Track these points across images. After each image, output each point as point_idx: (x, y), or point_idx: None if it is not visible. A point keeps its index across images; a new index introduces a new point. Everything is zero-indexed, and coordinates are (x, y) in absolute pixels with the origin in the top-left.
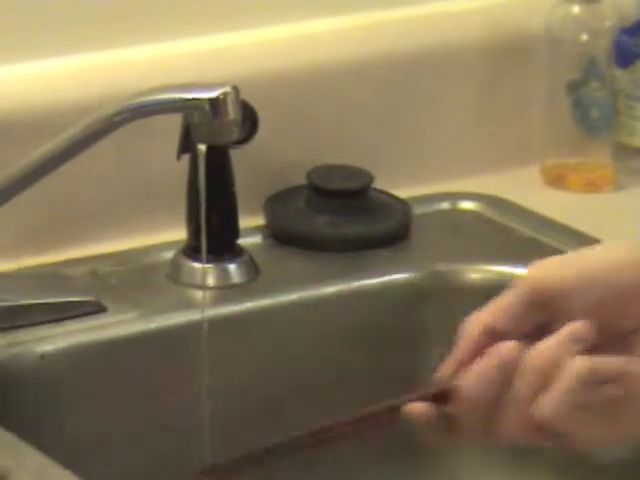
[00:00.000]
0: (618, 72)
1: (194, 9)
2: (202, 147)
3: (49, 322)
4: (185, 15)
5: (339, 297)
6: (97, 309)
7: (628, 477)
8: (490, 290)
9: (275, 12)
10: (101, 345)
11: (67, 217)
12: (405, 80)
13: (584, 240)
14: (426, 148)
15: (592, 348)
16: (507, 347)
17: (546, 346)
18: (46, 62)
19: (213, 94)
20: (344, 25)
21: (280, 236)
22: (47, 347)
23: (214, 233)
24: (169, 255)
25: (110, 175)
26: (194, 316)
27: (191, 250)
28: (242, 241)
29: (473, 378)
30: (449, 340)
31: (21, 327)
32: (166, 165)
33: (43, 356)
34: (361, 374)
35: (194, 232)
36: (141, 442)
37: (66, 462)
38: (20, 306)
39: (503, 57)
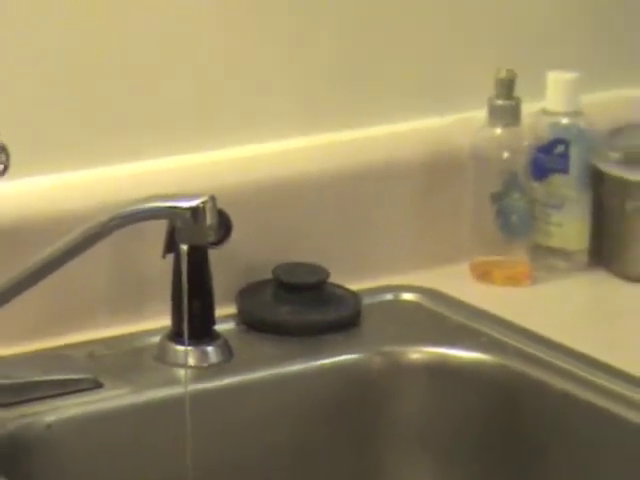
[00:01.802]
0: (535, 184)
1: (177, 133)
2: (184, 247)
3: (54, 396)
4: (169, 137)
5: (301, 375)
6: (94, 385)
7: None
8: (428, 368)
9: (245, 134)
10: (98, 416)
11: (68, 308)
12: (356, 191)
13: (507, 325)
14: (373, 248)
15: None
16: None
17: None
18: (48, 178)
19: (194, 203)
20: (305, 145)
21: (250, 323)
22: (52, 418)
23: (194, 320)
24: (156, 339)
25: (106, 272)
26: (177, 391)
27: (175, 335)
28: (218, 327)
29: None
30: (394, 412)
31: (30, 401)
32: (153, 263)
33: (49, 425)
34: (319, 441)
35: (177, 320)
36: None
37: None
38: (29, 383)
39: (438, 171)
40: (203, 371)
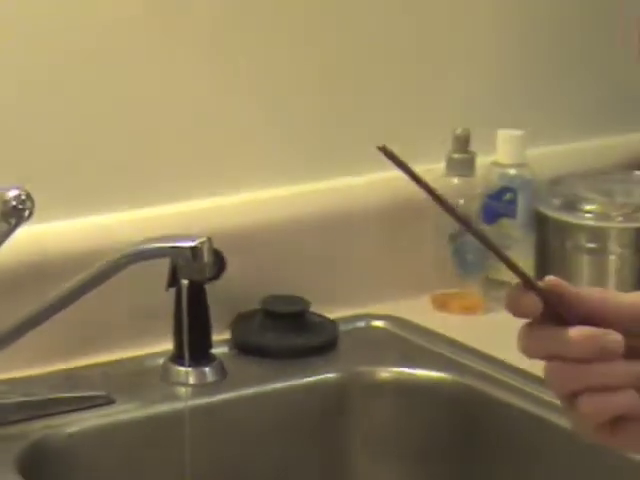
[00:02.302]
0: (486, 227)
1: (177, 183)
2: (185, 282)
3: (73, 411)
4: (170, 188)
5: (285, 392)
6: (108, 401)
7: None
8: (396, 386)
9: (236, 185)
10: (112, 427)
11: (85, 334)
12: (332, 233)
13: (464, 348)
14: (347, 282)
15: None
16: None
17: None
18: (66, 222)
19: (193, 244)
20: (287, 193)
21: (242, 347)
22: (73, 429)
23: (193, 345)
24: (160, 361)
25: (117, 303)
26: (179, 406)
27: (176, 357)
28: (214, 351)
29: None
30: (367, 424)
31: (53, 415)
32: (158, 295)
33: (70, 435)
34: (301, 449)
35: (179, 344)
36: None
37: None
38: (52, 399)
39: (403, 215)
40: (201, 389)
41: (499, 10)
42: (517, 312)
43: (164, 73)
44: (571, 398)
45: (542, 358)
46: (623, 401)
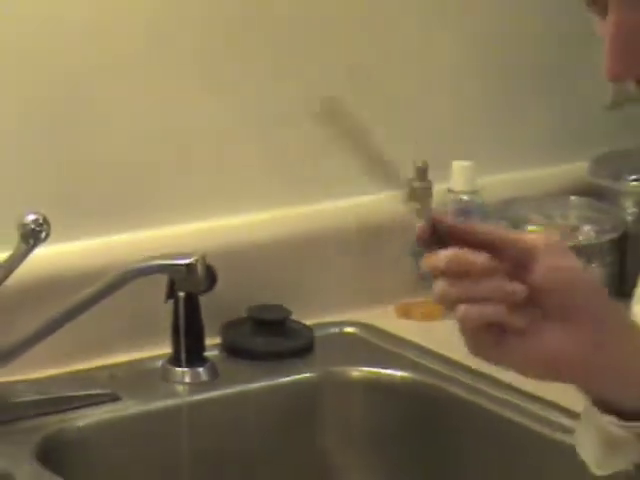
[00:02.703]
0: None
1: (173, 209)
2: (181, 294)
3: (83, 407)
4: (167, 212)
5: (269, 389)
6: (114, 398)
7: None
8: (365, 383)
9: (223, 210)
10: (117, 421)
11: (94, 339)
12: (310, 251)
13: (425, 351)
14: (323, 294)
15: None
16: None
17: None
18: (77, 243)
19: (188, 261)
20: (270, 216)
21: (231, 350)
22: (83, 423)
23: (189, 349)
24: (160, 363)
25: (122, 313)
26: (177, 402)
27: (174, 360)
28: (207, 354)
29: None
30: (339, 415)
31: (65, 410)
32: (158, 306)
33: (81, 428)
34: (283, 436)
35: (176, 348)
36: None
37: None
38: (64, 397)
39: (371, 236)
40: (196, 387)
41: (457, 53)
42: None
43: (162, 108)
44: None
45: (435, 278)
46: (488, 310)
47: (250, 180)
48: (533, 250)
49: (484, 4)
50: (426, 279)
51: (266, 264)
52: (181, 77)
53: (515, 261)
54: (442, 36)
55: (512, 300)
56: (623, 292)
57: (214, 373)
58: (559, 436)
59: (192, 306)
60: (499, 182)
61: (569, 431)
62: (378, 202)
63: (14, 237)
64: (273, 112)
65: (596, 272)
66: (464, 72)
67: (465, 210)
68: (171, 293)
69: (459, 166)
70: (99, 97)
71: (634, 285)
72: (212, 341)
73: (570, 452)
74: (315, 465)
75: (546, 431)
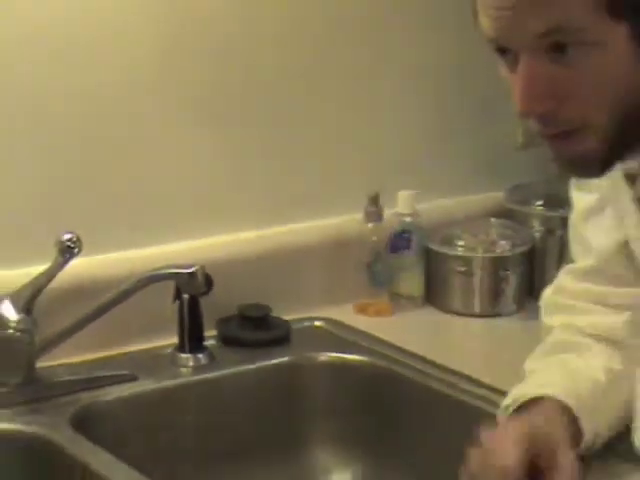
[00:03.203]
0: (391, 256)
1: (178, 229)
2: (185, 296)
3: (109, 385)
4: (173, 232)
5: (255, 370)
6: (133, 378)
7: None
8: (331, 365)
9: (218, 230)
10: (136, 396)
11: (115, 332)
12: (287, 262)
13: (378, 340)
14: (296, 295)
15: None
16: None
17: None
18: (101, 256)
19: (190, 270)
20: (251, 236)
21: (225, 340)
22: (108, 397)
23: (191, 339)
24: (169, 350)
25: (139, 311)
26: (183, 380)
27: (180, 348)
28: (206, 343)
29: None
30: (311, 391)
31: (94, 388)
32: (167, 306)
33: (107, 402)
34: (267, 408)
35: (181, 339)
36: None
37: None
38: (93, 377)
39: (336, 249)
40: (197, 369)
41: (402, 95)
42: None
43: (176, 150)
44: None
45: None
46: None
47: (238, 207)
48: None
49: (427, 40)
50: (377, 285)
51: (252, 272)
52: (188, 120)
53: None
54: (388, 80)
55: None
56: (531, 293)
57: (212, 358)
58: (484, 407)
59: (194, 305)
60: (435, 207)
61: (493, 404)
62: (341, 223)
63: (53, 252)
64: (259, 157)
65: (513, 279)
66: (407, 111)
67: (408, 230)
68: (177, 295)
69: (403, 195)
70: (122, 135)
71: (540, 287)
72: (210, 333)
73: (488, 419)
74: (291, 428)
75: (477, 404)
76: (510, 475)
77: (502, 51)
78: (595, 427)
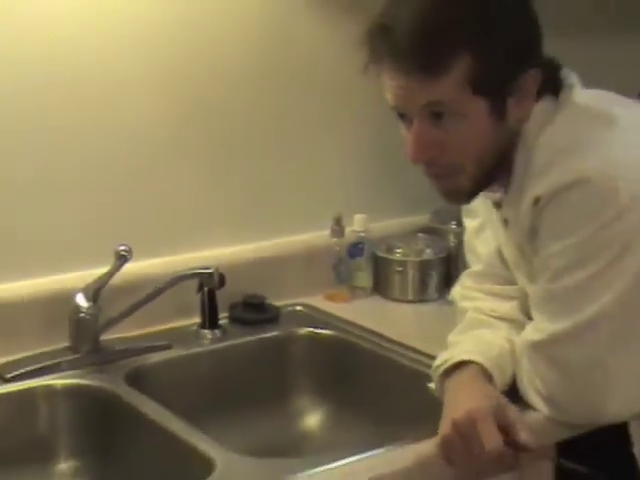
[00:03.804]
0: (350, 261)
1: (201, 244)
2: (205, 289)
3: (152, 352)
4: (194, 244)
5: (256, 341)
6: (169, 347)
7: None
8: (310, 338)
9: (225, 243)
10: (172, 360)
11: (155, 316)
12: (275, 265)
13: (341, 319)
14: (283, 288)
15: None
16: None
17: None
18: (141, 262)
19: (209, 271)
20: (249, 247)
21: (233, 320)
22: (152, 361)
23: (210, 319)
24: (194, 327)
25: (173, 301)
26: (204, 348)
27: (201, 325)
28: (220, 322)
29: None
30: (295, 358)
31: (142, 354)
32: (192, 296)
33: (152, 364)
34: (262, 374)
35: (203, 319)
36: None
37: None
38: (142, 347)
39: (309, 258)
40: (214, 340)
41: (355, 146)
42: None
43: (192, 182)
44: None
45: None
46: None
47: (243, 226)
48: None
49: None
50: (340, 281)
51: (252, 272)
52: (192, 158)
53: None
54: (349, 132)
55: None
56: (448, 285)
57: (224, 332)
58: (418, 367)
59: (211, 296)
60: (380, 226)
61: (425, 365)
62: (314, 238)
63: (111, 258)
64: (258, 191)
65: (435, 276)
66: (360, 156)
67: (361, 242)
68: (199, 289)
69: (358, 217)
70: (162, 163)
71: (454, 281)
72: (223, 315)
73: (423, 379)
74: (279, 382)
75: (412, 365)
76: (503, 454)
77: (401, 115)
78: (503, 380)
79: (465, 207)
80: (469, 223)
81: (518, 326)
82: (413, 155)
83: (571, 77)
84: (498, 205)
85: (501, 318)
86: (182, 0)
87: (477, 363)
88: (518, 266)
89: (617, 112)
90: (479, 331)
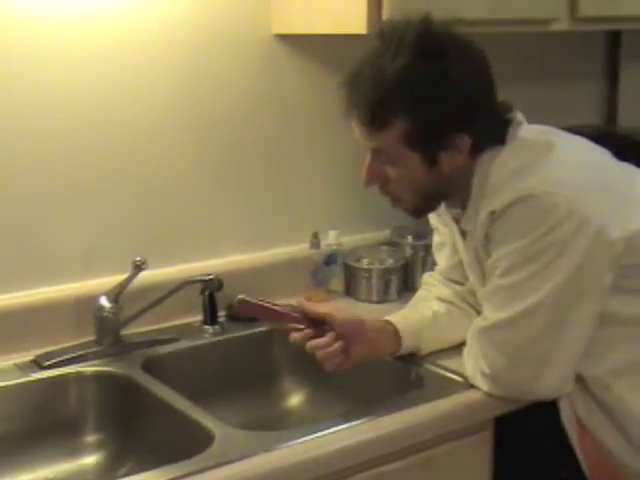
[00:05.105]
0: (326, 268)
1: (205, 254)
2: (207, 292)
3: (163, 344)
4: (201, 255)
5: (248, 335)
6: (177, 339)
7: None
8: (287, 332)
9: (225, 253)
10: (180, 351)
11: (166, 313)
12: (266, 274)
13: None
14: (272, 292)
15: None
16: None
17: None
18: (156, 271)
19: (210, 277)
20: (243, 258)
21: (230, 318)
22: (163, 351)
23: (211, 316)
24: (198, 323)
25: (180, 303)
26: (206, 341)
27: (203, 322)
28: (220, 319)
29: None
30: (282, 346)
31: (155, 345)
32: (196, 298)
33: (164, 354)
34: (252, 355)
35: (204, 317)
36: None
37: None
38: (154, 340)
39: (293, 266)
40: (214, 334)
41: (331, 173)
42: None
43: (195, 201)
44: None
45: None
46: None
47: (239, 240)
48: (330, 315)
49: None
50: (317, 285)
51: (246, 278)
52: (199, 175)
53: (318, 322)
54: (327, 164)
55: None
56: (406, 288)
57: (223, 328)
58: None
59: (212, 298)
60: (350, 239)
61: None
62: (296, 250)
63: (130, 267)
64: (250, 206)
65: (395, 280)
66: (336, 182)
67: (335, 253)
68: (202, 292)
69: (332, 232)
70: (174, 184)
71: (411, 286)
72: (221, 313)
73: (389, 363)
74: (268, 370)
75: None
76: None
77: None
78: (416, 342)
79: (431, 224)
80: (435, 237)
81: (452, 307)
82: (364, 180)
83: (518, 116)
84: (457, 220)
85: (440, 298)
86: (191, 56)
87: (392, 322)
88: (473, 269)
89: (555, 141)
90: (416, 301)
